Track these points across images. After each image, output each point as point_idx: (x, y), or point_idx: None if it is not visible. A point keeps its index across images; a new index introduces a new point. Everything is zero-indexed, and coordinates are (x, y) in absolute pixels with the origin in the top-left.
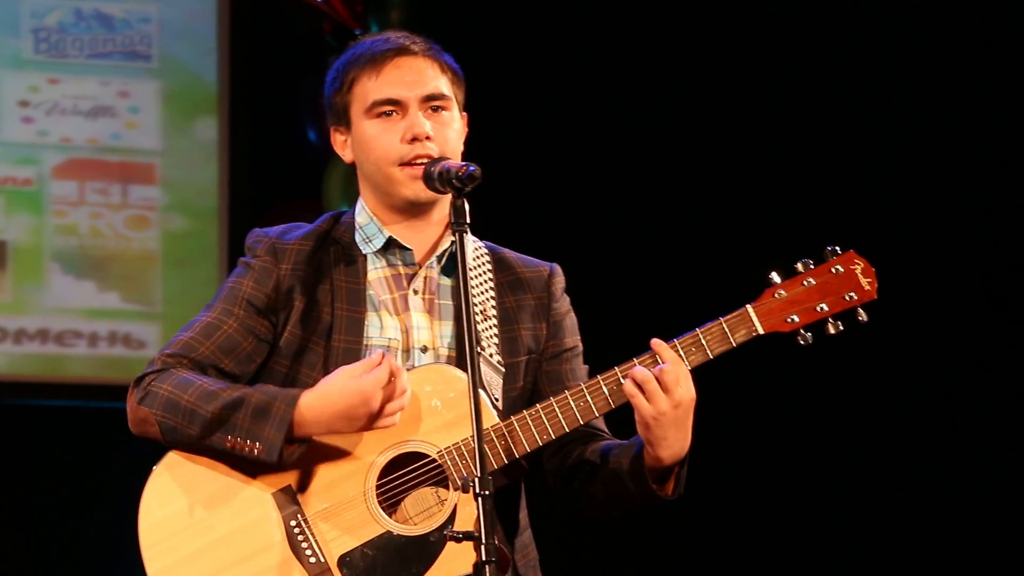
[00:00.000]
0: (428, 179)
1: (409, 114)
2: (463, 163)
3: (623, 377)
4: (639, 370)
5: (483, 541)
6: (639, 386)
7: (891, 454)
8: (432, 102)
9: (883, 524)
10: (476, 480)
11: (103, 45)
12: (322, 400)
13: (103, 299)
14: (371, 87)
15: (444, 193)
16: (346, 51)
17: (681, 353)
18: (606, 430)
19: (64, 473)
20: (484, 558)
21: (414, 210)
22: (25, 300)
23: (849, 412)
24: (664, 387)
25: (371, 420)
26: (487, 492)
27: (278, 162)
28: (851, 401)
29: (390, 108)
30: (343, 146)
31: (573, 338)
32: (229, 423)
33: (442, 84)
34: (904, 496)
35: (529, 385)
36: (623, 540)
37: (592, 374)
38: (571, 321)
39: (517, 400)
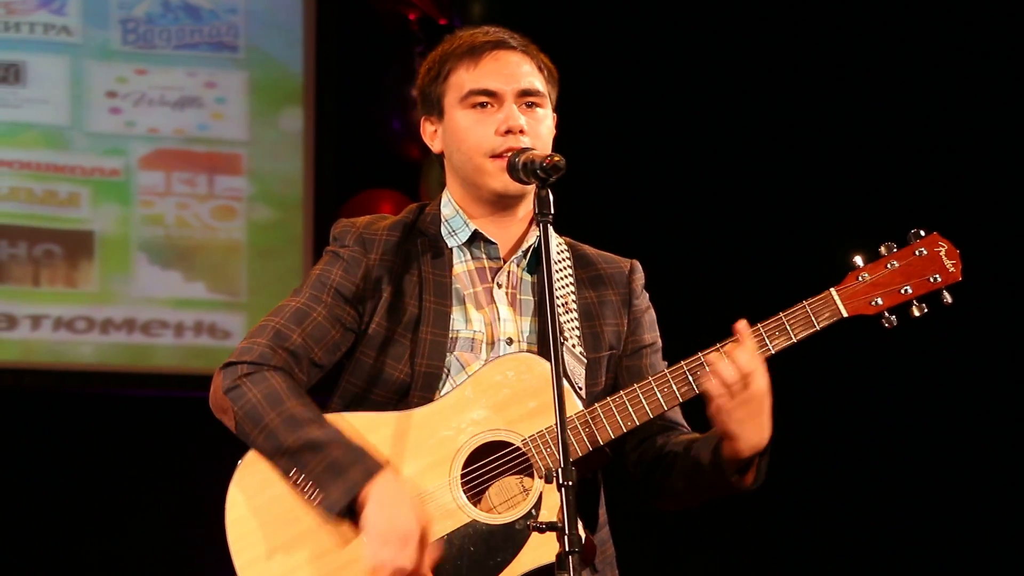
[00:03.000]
0: (512, 169)
1: (505, 107)
2: (548, 154)
3: (704, 362)
4: (713, 358)
5: (566, 531)
6: (713, 375)
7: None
8: (527, 97)
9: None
10: (559, 470)
11: (190, 36)
12: (393, 497)
13: (189, 289)
14: (468, 77)
15: (528, 184)
16: (442, 43)
17: (765, 337)
18: (685, 424)
19: (150, 463)
20: (567, 548)
21: (501, 203)
22: (112, 290)
23: (942, 401)
24: (738, 377)
25: (396, 552)
26: (570, 482)
27: (363, 153)
28: (942, 391)
29: (486, 99)
30: (433, 136)
31: (652, 334)
32: (301, 461)
33: (538, 81)
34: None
35: (610, 382)
36: (700, 537)
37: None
38: (650, 317)
39: (599, 396)
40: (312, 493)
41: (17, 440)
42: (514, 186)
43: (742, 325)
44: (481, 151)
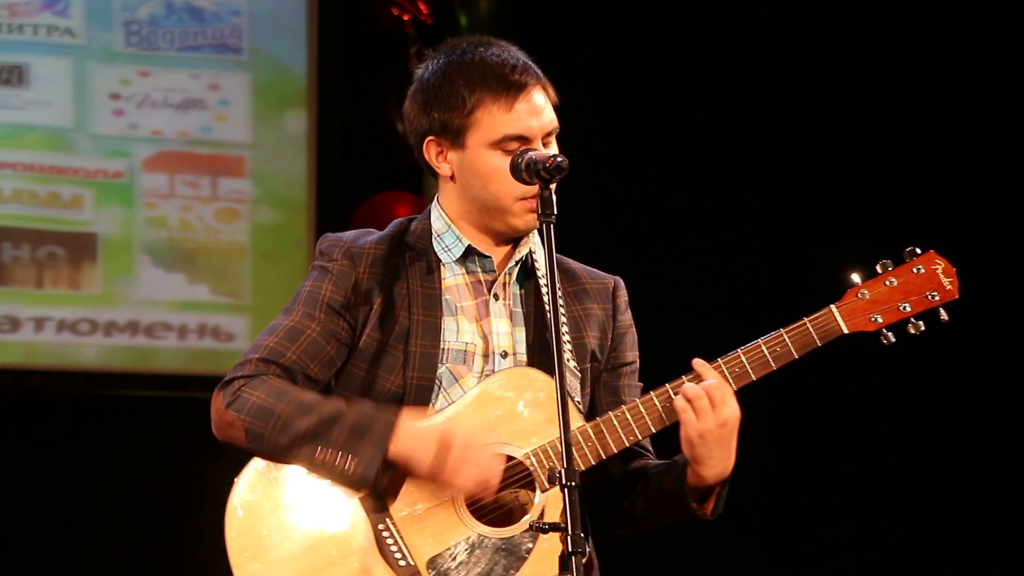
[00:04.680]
0: (515, 170)
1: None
2: (551, 154)
3: (674, 393)
4: (689, 386)
5: (569, 532)
6: (689, 402)
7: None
8: (549, 137)
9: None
10: (563, 471)
11: (193, 38)
12: (423, 434)
13: (192, 291)
14: (502, 120)
15: (531, 184)
16: (449, 55)
17: (766, 353)
18: (651, 450)
19: (153, 464)
20: (571, 549)
21: (515, 236)
22: (115, 292)
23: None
24: (712, 404)
25: (453, 471)
26: (574, 483)
27: (367, 155)
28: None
29: (517, 145)
30: (440, 159)
31: (633, 353)
32: (324, 437)
33: (554, 115)
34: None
35: (590, 393)
36: (678, 547)
37: (661, 380)
38: (632, 336)
39: (586, 408)
40: (344, 463)
41: (20, 442)
42: (534, 224)
43: (697, 362)
44: (512, 195)
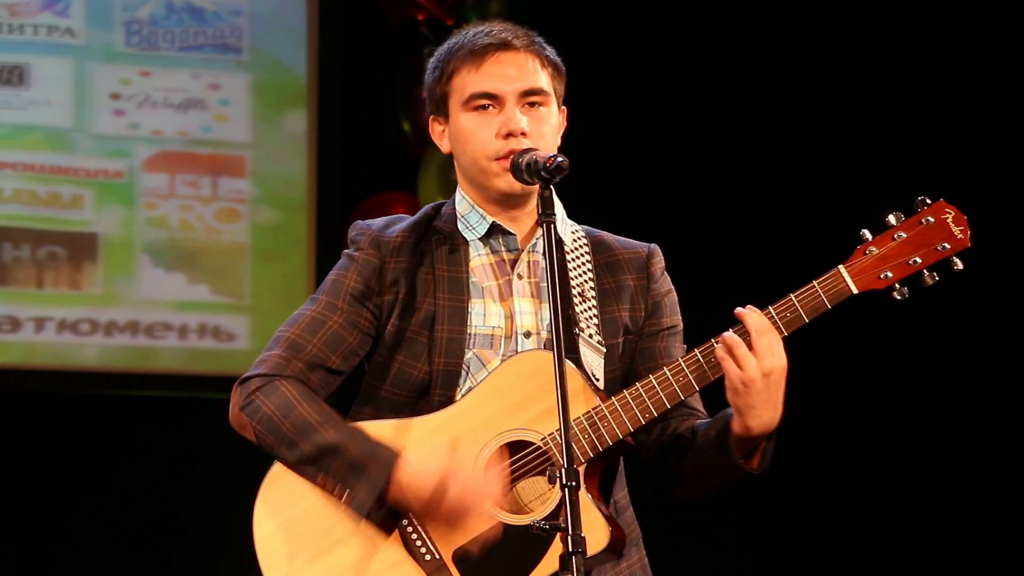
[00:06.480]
0: (516, 170)
1: (505, 109)
2: (551, 154)
3: (716, 343)
4: (730, 335)
5: (570, 532)
6: (729, 350)
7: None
8: (529, 97)
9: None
10: (563, 471)
11: (194, 38)
12: (417, 475)
13: (193, 291)
14: (470, 80)
15: (531, 184)
16: (448, 40)
17: (776, 319)
18: (703, 410)
19: (154, 464)
20: (571, 549)
21: (510, 201)
22: (116, 292)
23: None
24: (755, 352)
25: (445, 523)
26: (573, 483)
27: (368, 154)
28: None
29: (487, 102)
30: (440, 136)
31: (672, 318)
32: (323, 464)
33: (541, 79)
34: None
35: (625, 365)
36: (724, 519)
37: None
38: (671, 301)
39: (617, 382)
40: (341, 494)
41: (20, 442)
42: (519, 185)
43: (744, 310)
44: (484, 154)
